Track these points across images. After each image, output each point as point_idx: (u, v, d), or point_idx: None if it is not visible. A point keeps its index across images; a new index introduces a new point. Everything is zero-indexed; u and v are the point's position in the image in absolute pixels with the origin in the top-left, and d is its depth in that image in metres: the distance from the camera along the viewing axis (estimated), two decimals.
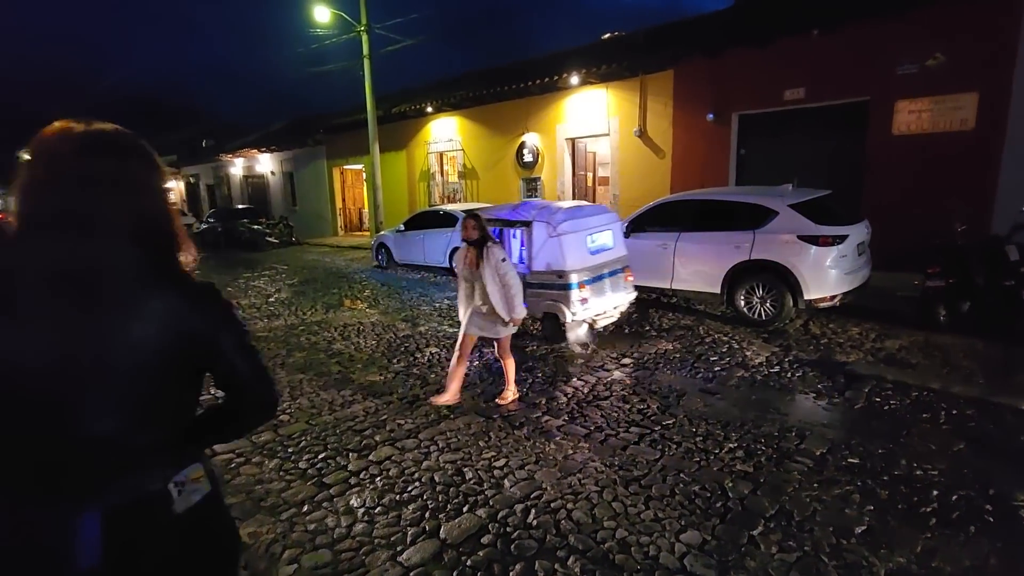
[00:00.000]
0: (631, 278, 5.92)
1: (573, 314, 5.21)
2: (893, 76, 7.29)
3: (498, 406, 4.12)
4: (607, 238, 5.77)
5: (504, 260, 3.93)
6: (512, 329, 4.10)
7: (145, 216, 1.02)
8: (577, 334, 5.46)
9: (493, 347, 4.37)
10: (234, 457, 3.46)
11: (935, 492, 2.83)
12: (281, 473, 3.27)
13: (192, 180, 28.41)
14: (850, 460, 3.18)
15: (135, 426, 0.98)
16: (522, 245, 5.63)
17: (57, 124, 0.99)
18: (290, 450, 3.56)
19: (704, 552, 2.45)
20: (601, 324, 5.65)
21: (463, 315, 4.13)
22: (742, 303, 6.02)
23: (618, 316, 5.86)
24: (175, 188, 31.26)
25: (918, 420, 3.67)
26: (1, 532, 0.93)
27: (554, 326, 5.44)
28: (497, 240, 4.37)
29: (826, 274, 5.52)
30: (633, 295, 5.99)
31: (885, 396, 4.06)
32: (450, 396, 4.13)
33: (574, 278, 5.17)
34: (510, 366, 4.24)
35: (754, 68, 8.58)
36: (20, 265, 0.94)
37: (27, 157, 0.97)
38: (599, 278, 5.46)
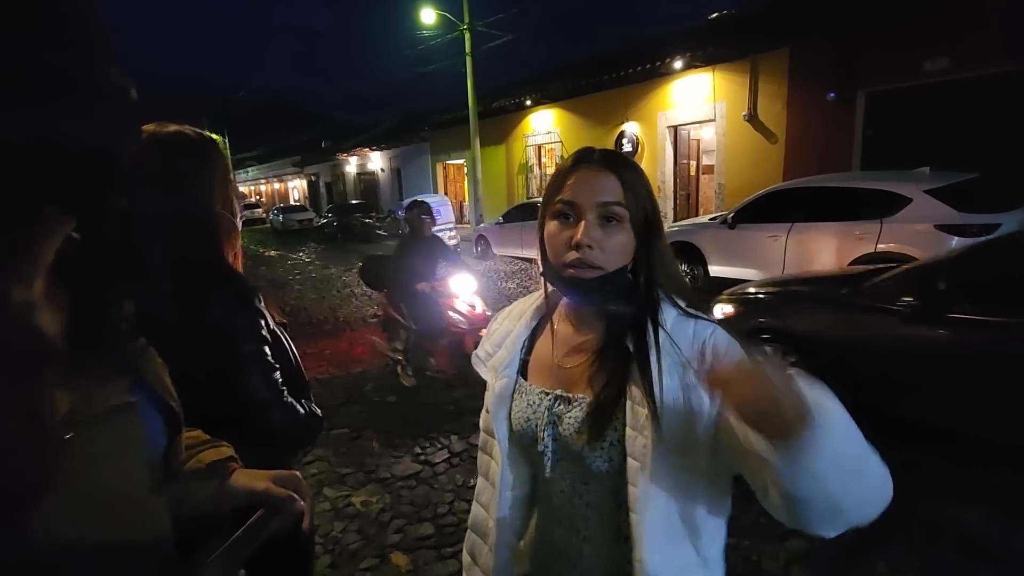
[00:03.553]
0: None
1: None
2: None
3: None
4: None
5: None
6: None
7: (187, 210, 1.02)
8: None
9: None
10: (349, 432, 3.81)
11: None
12: (389, 449, 3.55)
13: (313, 178, 31.04)
14: (995, 478, 2.82)
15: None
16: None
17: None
18: (398, 428, 3.84)
19: (810, 562, 2.32)
20: None
21: None
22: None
23: None
24: (298, 185, 34.32)
25: None
26: None
27: None
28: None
29: None
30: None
31: None
32: None
33: None
34: None
35: (886, 38, 7.71)
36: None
37: None
38: None
